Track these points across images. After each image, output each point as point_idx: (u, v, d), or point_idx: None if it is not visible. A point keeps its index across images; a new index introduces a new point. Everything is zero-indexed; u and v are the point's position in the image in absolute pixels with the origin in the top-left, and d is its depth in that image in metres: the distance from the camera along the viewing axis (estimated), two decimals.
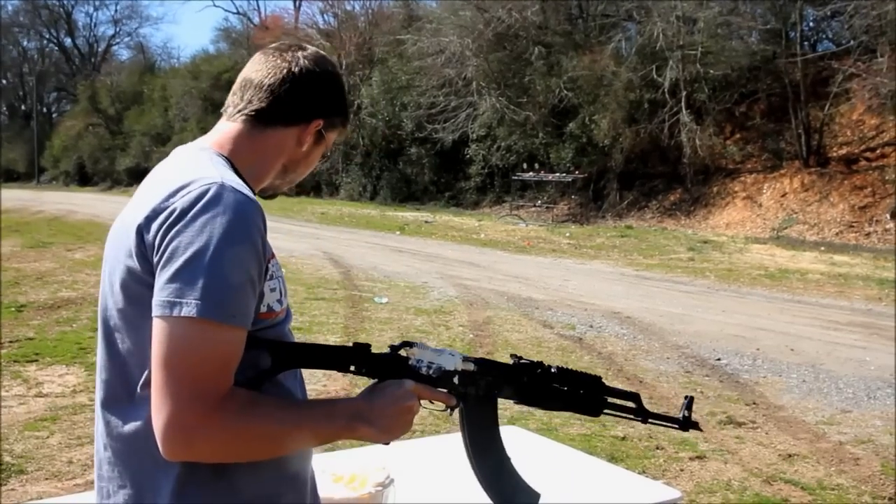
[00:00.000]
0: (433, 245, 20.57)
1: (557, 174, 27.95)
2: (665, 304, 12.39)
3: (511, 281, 14.34)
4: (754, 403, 7.23)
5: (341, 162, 37.19)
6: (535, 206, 29.19)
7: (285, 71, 1.62)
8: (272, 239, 1.54)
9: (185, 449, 1.39)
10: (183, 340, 1.36)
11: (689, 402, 1.80)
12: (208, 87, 45.89)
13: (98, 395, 1.57)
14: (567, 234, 23.36)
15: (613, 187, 27.46)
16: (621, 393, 1.75)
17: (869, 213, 20.53)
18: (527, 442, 3.23)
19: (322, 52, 1.70)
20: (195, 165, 1.51)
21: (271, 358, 1.50)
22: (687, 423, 1.79)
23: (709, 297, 13.52)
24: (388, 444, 1.56)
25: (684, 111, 24.94)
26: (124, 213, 1.56)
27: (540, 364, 1.69)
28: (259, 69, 1.64)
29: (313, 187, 38.21)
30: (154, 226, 1.42)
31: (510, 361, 1.70)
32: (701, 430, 1.87)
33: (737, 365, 8.60)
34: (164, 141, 47.72)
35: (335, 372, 1.62)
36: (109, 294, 1.53)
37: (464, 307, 11.43)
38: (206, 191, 1.41)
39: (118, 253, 1.49)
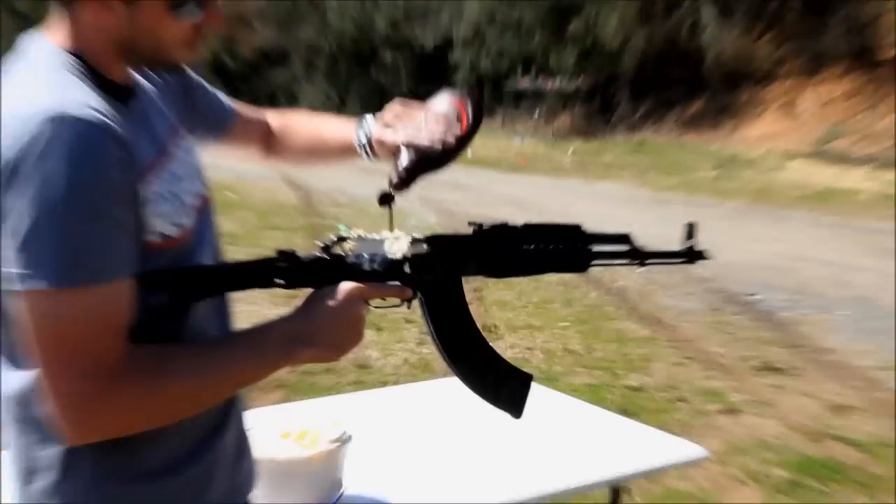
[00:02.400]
0: None
1: (558, 81, 27.82)
2: None
3: (504, 205, 14.48)
4: (795, 346, 7.23)
5: (302, 68, 36.90)
6: (532, 118, 29.10)
7: None
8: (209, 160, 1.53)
9: (89, 433, 1.40)
10: (45, 317, 1.35)
11: (691, 227, 1.80)
12: None
13: None
14: (570, 151, 23.46)
15: (624, 96, 27.42)
16: (607, 237, 1.74)
17: None
18: None
19: None
20: (26, 88, 1.42)
21: (168, 292, 1.48)
22: (693, 254, 1.78)
23: (739, 221, 13.56)
24: (338, 359, 1.58)
25: (707, 5, 24.73)
26: None
27: (504, 225, 1.68)
28: None
29: (269, 97, 37.70)
30: None
31: (470, 231, 1.69)
32: (707, 258, 1.80)
33: (774, 301, 8.63)
34: None
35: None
36: None
37: None
38: (40, 131, 1.33)
39: None
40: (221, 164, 1.45)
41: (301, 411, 2.82)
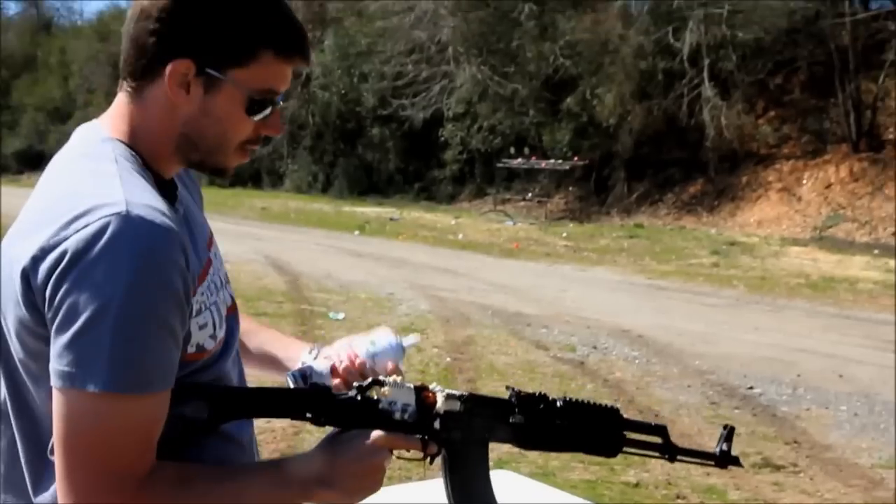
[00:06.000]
0: (400, 248, 20.61)
1: (552, 161, 27.96)
2: (684, 319, 12.44)
3: (496, 291, 14.50)
4: (795, 442, 7.25)
5: (286, 146, 36.94)
6: (524, 199, 29.27)
7: (139, 10, 1.51)
8: None
9: None
10: (87, 418, 1.34)
11: (729, 433, 1.83)
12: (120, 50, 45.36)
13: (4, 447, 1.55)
14: (564, 235, 23.40)
15: (620, 177, 27.56)
16: (644, 426, 1.79)
17: None
18: (521, 490, 3.21)
19: None
20: (94, 180, 1.44)
21: (209, 409, 1.51)
22: (726, 459, 1.80)
23: (738, 311, 13.59)
24: None
25: (707, 83, 25.06)
26: (12, 233, 1.48)
27: (543, 397, 1.70)
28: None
29: (252, 176, 37.98)
30: (42, 269, 1.35)
31: (506, 395, 1.69)
32: (741, 466, 1.88)
33: (773, 395, 8.65)
34: (63, 117, 47.21)
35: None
36: (7, 336, 1.48)
37: (439, 324, 11.53)
38: (106, 226, 1.34)
39: (7, 291, 1.44)
40: None
41: None
